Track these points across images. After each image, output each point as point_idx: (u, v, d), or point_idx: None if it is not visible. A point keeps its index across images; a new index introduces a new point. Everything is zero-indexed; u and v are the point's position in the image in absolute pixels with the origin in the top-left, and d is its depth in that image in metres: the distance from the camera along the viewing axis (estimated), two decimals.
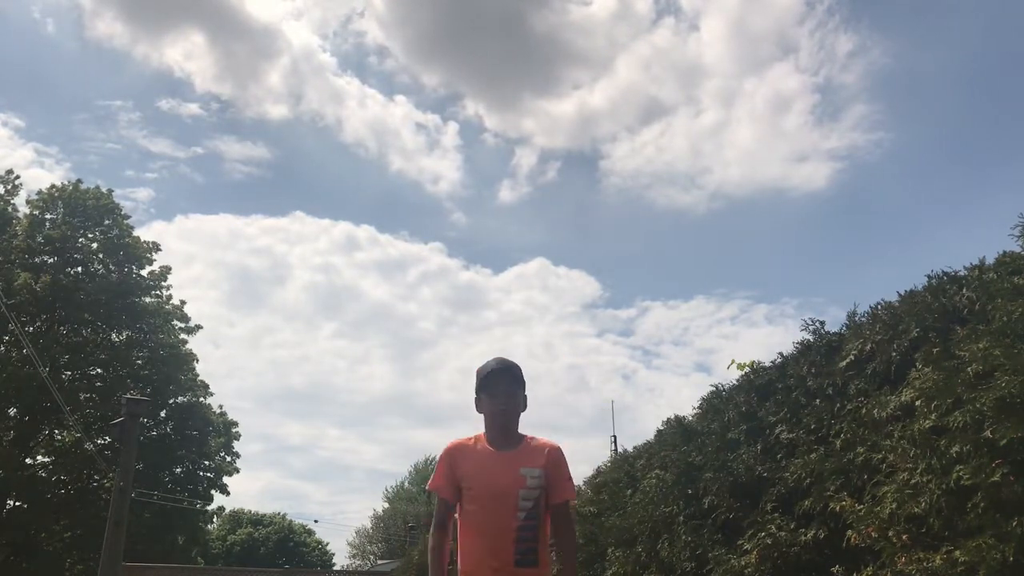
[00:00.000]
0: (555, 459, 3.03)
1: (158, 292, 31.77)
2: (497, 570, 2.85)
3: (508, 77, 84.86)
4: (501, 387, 3.06)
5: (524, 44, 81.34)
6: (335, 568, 53.50)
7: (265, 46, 79.97)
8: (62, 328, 29.94)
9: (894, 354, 4.58)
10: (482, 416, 3.15)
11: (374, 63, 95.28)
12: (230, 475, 33.84)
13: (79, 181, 31.15)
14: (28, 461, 29.15)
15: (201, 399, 32.78)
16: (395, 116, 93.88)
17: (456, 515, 3.08)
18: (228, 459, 34.17)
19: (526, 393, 3.14)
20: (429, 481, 3.14)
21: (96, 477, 28.98)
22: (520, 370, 3.13)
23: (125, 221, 31.18)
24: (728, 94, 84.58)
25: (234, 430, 34.79)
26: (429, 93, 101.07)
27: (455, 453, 3.07)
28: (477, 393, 3.13)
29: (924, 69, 75.29)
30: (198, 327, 33.10)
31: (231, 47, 78.00)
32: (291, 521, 60.33)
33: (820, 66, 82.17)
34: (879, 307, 5.13)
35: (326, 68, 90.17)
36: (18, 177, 30.33)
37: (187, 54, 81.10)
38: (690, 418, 6.93)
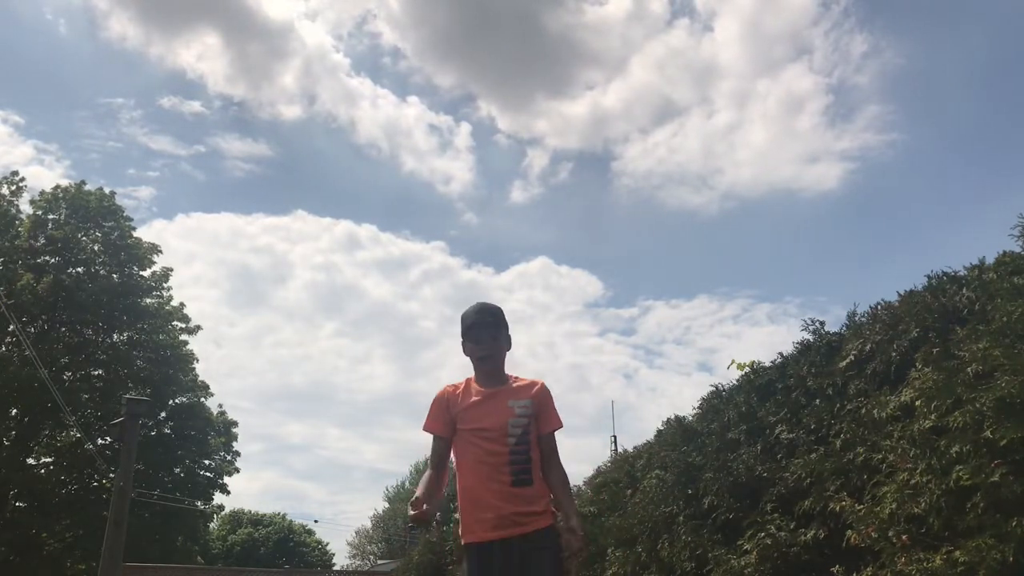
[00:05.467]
0: (541, 393, 3.30)
1: (159, 293, 31.85)
2: (496, 492, 3.08)
3: (521, 78, 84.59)
4: (484, 333, 3.28)
5: (538, 45, 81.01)
6: (335, 568, 53.46)
7: (279, 47, 79.48)
8: (63, 329, 29.94)
9: (894, 354, 4.58)
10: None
11: (388, 64, 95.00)
12: (230, 475, 33.87)
13: (83, 182, 31.28)
14: (29, 461, 29.17)
15: (201, 399, 32.83)
16: (408, 117, 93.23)
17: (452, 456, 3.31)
18: (228, 459, 34.20)
19: (509, 333, 3.36)
20: (423, 423, 3.35)
21: (96, 477, 28.98)
22: (501, 313, 3.35)
23: (127, 223, 31.25)
24: (741, 95, 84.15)
25: (234, 430, 34.81)
26: (442, 94, 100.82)
27: (447, 396, 3.33)
28: (462, 338, 3.34)
29: (938, 70, 75.02)
30: (198, 327, 33.16)
31: (245, 48, 77.54)
32: (291, 521, 60.26)
33: (834, 67, 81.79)
34: (879, 307, 5.13)
35: (339, 69, 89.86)
36: (23, 179, 30.39)
37: (200, 55, 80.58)
38: (690, 418, 6.93)
